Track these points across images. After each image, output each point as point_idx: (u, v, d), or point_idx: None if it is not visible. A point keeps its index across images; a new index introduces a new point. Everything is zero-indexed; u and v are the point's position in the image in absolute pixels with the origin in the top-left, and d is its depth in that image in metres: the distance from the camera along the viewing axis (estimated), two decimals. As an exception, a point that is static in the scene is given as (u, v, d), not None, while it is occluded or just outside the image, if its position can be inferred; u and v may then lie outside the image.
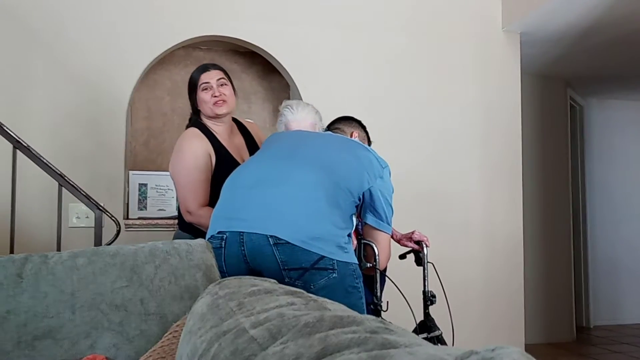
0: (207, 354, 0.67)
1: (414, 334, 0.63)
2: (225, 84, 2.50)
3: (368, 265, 2.18)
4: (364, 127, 2.48)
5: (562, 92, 5.43)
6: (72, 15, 3.22)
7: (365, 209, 2.12)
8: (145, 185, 3.86)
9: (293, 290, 0.86)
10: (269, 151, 2.15)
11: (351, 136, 2.38)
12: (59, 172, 2.55)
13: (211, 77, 2.48)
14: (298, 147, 2.10)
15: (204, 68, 2.53)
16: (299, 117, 2.41)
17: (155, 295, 1.40)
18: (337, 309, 0.69)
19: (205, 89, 2.47)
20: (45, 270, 1.42)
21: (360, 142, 2.33)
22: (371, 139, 2.52)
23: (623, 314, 6.02)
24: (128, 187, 3.74)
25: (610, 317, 5.97)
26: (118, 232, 2.62)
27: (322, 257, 1.84)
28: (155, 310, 1.40)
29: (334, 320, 0.60)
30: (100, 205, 2.62)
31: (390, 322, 0.65)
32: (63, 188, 2.56)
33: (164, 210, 3.85)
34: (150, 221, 3.44)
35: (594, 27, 3.91)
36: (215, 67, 2.54)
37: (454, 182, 3.81)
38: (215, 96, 2.45)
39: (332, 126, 2.47)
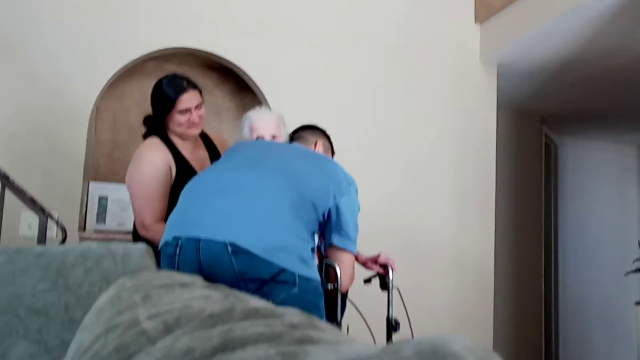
0: (89, 351, 0.54)
1: (344, 333, 0.51)
2: (201, 107, 2.37)
3: (330, 287, 2.07)
4: (328, 137, 2.39)
5: (537, 129, 5.42)
6: (37, 16, 3.09)
7: (330, 227, 2.01)
8: (106, 198, 3.69)
9: (216, 285, 0.74)
10: (231, 159, 2.06)
11: (315, 145, 2.29)
12: (3, 173, 2.37)
13: (190, 102, 2.32)
14: (263, 156, 2.02)
15: (182, 88, 2.33)
16: (264, 117, 2.38)
17: (82, 301, 1.25)
18: (258, 303, 0.57)
19: (182, 112, 2.31)
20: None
21: (327, 156, 2.24)
22: (334, 150, 2.43)
23: (592, 356, 5.93)
24: (87, 198, 3.58)
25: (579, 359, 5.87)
26: (64, 240, 2.44)
27: (284, 269, 1.73)
28: (81, 318, 1.24)
29: (247, 312, 0.48)
30: (46, 212, 2.45)
31: (319, 320, 0.53)
32: (7, 191, 2.39)
33: (124, 224, 3.68)
34: (107, 234, 3.29)
35: (570, 62, 3.90)
36: (192, 86, 2.37)
37: (425, 212, 3.71)
38: (192, 122, 2.33)
39: (295, 134, 2.38)
